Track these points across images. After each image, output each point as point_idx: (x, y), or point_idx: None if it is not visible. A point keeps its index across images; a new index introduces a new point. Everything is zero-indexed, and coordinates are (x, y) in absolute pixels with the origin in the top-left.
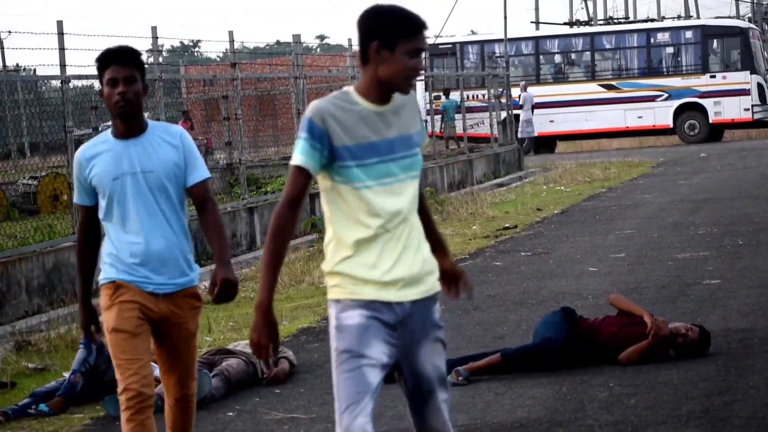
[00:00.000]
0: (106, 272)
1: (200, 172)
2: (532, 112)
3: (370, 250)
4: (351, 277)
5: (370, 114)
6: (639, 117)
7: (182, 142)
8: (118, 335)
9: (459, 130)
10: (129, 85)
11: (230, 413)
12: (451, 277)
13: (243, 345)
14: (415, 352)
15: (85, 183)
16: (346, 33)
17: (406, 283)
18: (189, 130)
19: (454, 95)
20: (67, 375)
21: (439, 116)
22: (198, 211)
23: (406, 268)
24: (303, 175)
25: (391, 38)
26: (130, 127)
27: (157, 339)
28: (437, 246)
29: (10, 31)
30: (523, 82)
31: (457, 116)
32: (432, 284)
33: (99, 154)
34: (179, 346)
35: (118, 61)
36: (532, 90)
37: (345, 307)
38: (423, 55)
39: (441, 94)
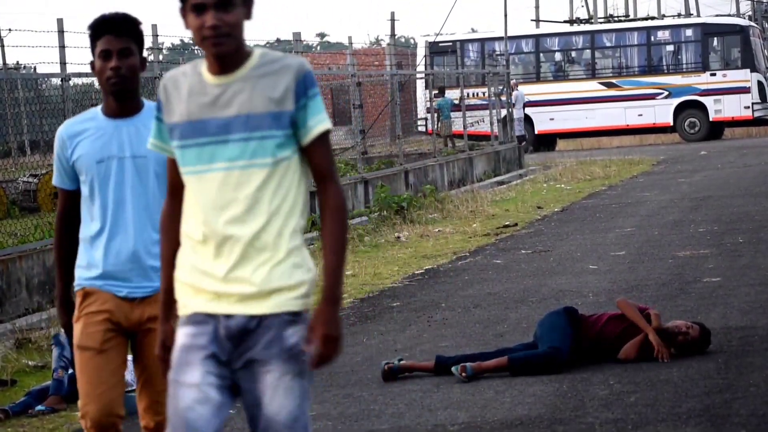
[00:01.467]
0: (77, 277)
1: None
2: (523, 110)
3: (204, 252)
4: (184, 284)
5: (208, 86)
6: (639, 115)
7: None
8: (83, 354)
9: (455, 128)
10: (123, 58)
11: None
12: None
13: None
14: (255, 382)
15: (67, 164)
16: (346, 31)
17: (244, 297)
18: None
19: (454, 93)
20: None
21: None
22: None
23: (243, 277)
24: (170, 161)
25: None
26: (123, 105)
27: (134, 352)
28: (323, 278)
29: (10, 29)
30: (513, 81)
31: (456, 114)
32: (286, 301)
33: (84, 132)
34: (153, 361)
35: (113, 30)
36: (533, 88)
37: (178, 325)
38: (215, 8)
39: (437, 91)
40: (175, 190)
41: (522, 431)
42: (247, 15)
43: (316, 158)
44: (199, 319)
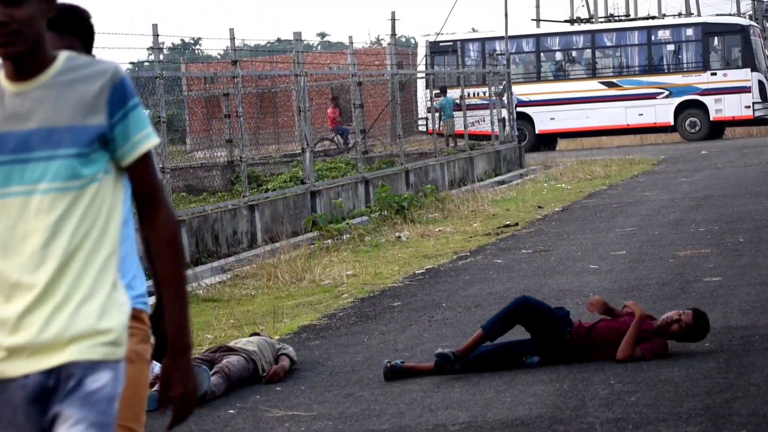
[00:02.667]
0: None
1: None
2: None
3: None
4: None
5: (6, 95)
6: (640, 114)
7: None
8: None
9: (458, 128)
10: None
11: (231, 411)
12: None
13: (243, 342)
14: None
15: None
16: (346, 30)
17: (37, 349)
18: (338, 117)
19: (455, 93)
20: None
21: (437, 114)
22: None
23: (34, 329)
24: None
25: None
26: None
27: None
28: (167, 326)
29: None
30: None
31: (457, 114)
32: (88, 349)
33: None
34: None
35: None
36: (534, 87)
37: None
38: (3, 3)
39: (438, 91)
40: None
41: (523, 431)
42: (47, 11)
43: (143, 179)
44: None
